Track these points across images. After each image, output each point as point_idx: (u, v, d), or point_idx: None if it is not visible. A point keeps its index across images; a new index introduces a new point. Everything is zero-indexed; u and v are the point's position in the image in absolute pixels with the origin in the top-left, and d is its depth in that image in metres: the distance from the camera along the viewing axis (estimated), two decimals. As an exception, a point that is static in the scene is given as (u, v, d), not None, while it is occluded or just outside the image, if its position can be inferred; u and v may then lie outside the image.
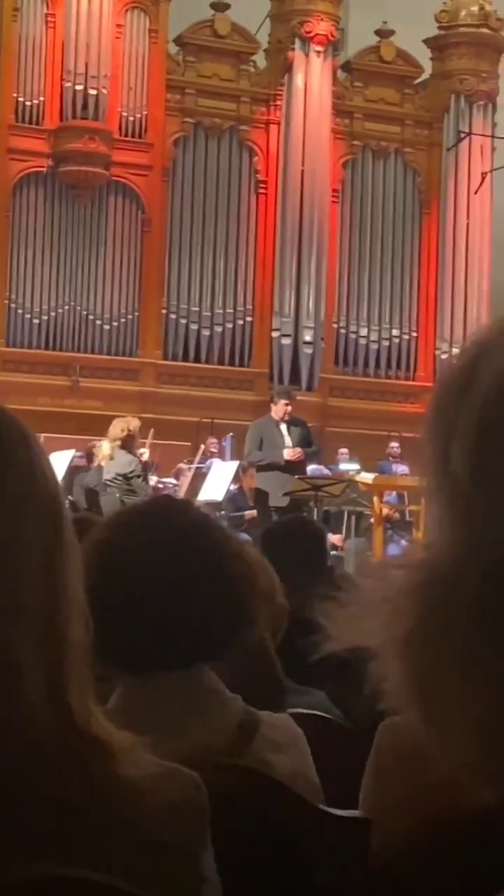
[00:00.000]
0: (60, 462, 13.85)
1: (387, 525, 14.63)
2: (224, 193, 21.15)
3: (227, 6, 21.08)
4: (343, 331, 21.65)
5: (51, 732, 1.40)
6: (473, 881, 1.71)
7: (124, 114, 20.52)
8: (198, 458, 16.56)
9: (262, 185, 21.35)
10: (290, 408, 15.15)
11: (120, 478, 13.97)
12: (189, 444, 18.75)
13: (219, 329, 20.93)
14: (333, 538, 15.12)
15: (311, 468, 15.41)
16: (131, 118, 20.58)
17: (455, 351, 20.50)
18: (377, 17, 21.93)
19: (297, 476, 14.38)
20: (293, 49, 21.14)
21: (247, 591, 2.36)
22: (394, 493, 15.51)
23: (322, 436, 18.37)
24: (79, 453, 15.59)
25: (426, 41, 22.18)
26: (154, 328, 20.67)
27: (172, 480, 16.25)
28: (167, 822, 1.49)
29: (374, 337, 21.75)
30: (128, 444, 14.19)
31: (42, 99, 20.23)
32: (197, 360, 20.83)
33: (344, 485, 14.63)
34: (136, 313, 20.61)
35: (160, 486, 15.52)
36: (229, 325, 21.00)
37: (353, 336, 21.67)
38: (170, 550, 2.31)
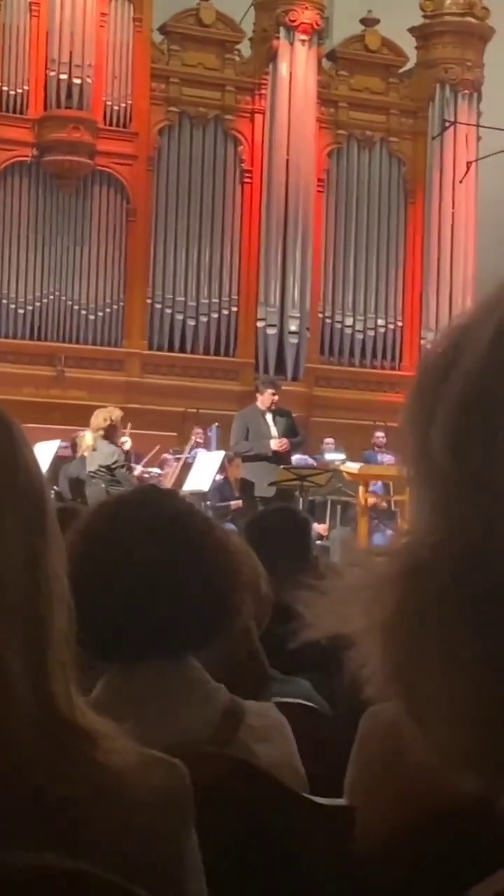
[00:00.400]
0: (45, 452, 13.84)
1: (372, 514, 14.65)
2: (209, 183, 21.13)
3: (212, -5, 21.08)
4: (328, 320, 21.65)
5: (34, 722, 1.40)
6: (457, 867, 1.72)
7: (109, 103, 20.48)
8: (187, 449, 16.55)
9: (247, 175, 21.33)
10: (276, 397, 15.13)
11: (104, 469, 13.96)
12: (175, 434, 18.75)
13: (204, 319, 20.92)
14: (319, 528, 15.13)
15: (297, 458, 15.40)
16: (116, 107, 20.54)
17: (432, 348, 20.48)
18: (362, 5, 21.92)
19: (282, 466, 14.37)
20: (278, 38, 21.11)
21: (231, 580, 2.36)
22: (379, 482, 15.52)
23: (307, 425, 18.38)
24: (64, 443, 15.57)
25: (411, 30, 22.18)
26: (139, 318, 20.65)
27: (157, 470, 16.24)
28: (151, 811, 1.49)
29: (359, 326, 21.75)
30: (110, 434, 14.18)
31: (26, 88, 20.18)
32: (182, 350, 20.81)
33: (329, 474, 14.63)
34: (121, 303, 20.59)
35: (146, 475, 15.51)
36: (214, 315, 20.99)
37: (338, 326, 21.67)
38: (154, 540, 2.31)
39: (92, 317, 20.36)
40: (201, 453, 16.05)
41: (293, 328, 20.85)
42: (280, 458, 14.62)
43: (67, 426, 16.88)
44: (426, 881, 2.11)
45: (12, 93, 20.13)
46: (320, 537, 14.54)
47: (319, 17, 21.40)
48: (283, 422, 15.05)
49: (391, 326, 21.95)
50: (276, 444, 14.70)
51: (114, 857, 1.42)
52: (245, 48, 21.63)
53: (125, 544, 2.31)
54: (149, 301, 20.68)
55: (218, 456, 15.42)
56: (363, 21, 22.17)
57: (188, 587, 2.29)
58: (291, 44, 21.09)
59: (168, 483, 14.53)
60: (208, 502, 14.46)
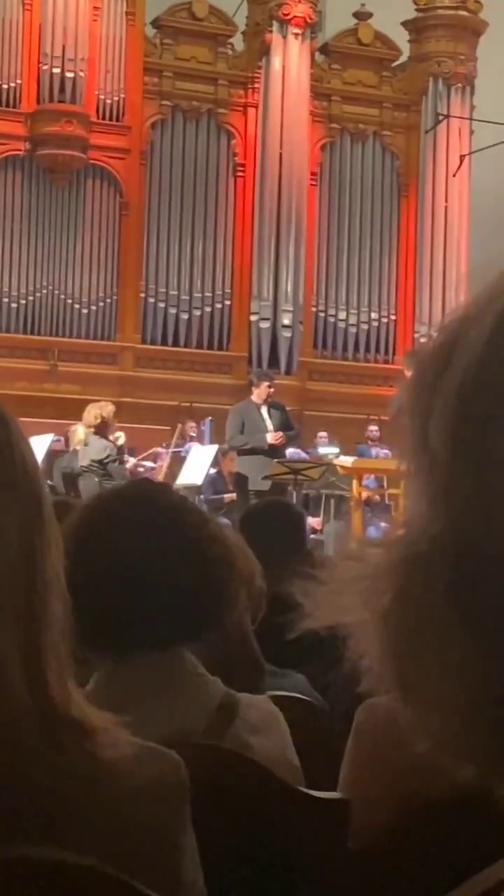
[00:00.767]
0: (39, 446, 13.83)
1: (366, 508, 14.65)
2: (202, 177, 21.11)
3: (205, -12, 21.06)
4: (322, 314, 21.65)
5: (29, 714, 1.40)
6: (454, 858, 1.72)
7: (102, 97, 20.46)
8: (174, 442, 16.54)
9: (240, 169, 21.31)
10: (272, 390, 15.16)
11: (95, 464, 13.97)
12: (168, 427, 18.74)
13: (197, 313, 20.91)
14: (312, 521, 15.14)
15: (290, 452, 15.41)
16: (109, 101, 20.52)
17: (434, 334, 20.50)
18: (355, -1, 21.93)
19: (276, 460, 14.37)
20: (271, 31, 21.09)
21: (225, 573, 2.36)
22: (372, 476, 15.52)
23: (301, 419, 18.38)
24: (57, 437, 15.57)
25: (404, 23, 22.16)
26: (132, 312, 20.63)
27: (150, 463, 16.23)
28: (147, 803, 1.49)
29: (352, 320, 21.75)
30: (102, 430, 14.18)
31: (19, 82, 20.15)
32: (175, 343, 20.80)
33: (323, 468, 14.64)
34: (115, 297, 20.58)
35: (140, 469, 15.50)
36: (208, 309, 20.98)
37: (331, 319, 21.67)
38: (148, 534, 2.31)
39: (85, 311, 20.34)
40: (195, 447, 16.04)
41: (286, 322, 20.84)
42: (275, 451, 14.64)
43: (61, 420, 16.87)
44: (422, 873, 2.11)
45: (5, 87, 20.11)
46: (314, 531, 14.56)
47: (312, 11, 21.38)
48: (279, 415, 15.07)
49: (384, 320, 21.95)
50: (272, 437, 14.72)
51: (110, 849, 1.42)
52: (238, 42, 21.60)
53: (119, 538, 2.31)
54: (142, 295, 20.66)
55: (211, 450, 15.41)
56: (356, 15, 22.15)
57: (182, 580, 2.29)
58: (284, 37, 21.07)
59: (160, 476, 14.53)
60: (202, 496, 14.46)
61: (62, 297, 20.25)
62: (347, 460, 14.50)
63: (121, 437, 15.38)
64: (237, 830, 2.14)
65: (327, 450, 17.06)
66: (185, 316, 20.82)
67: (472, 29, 22.22)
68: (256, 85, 21.27)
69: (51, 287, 20.21)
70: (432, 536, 0.76)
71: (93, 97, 20.32)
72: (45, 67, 19.97)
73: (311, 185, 21.49)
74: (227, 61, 21.39)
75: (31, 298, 20.12)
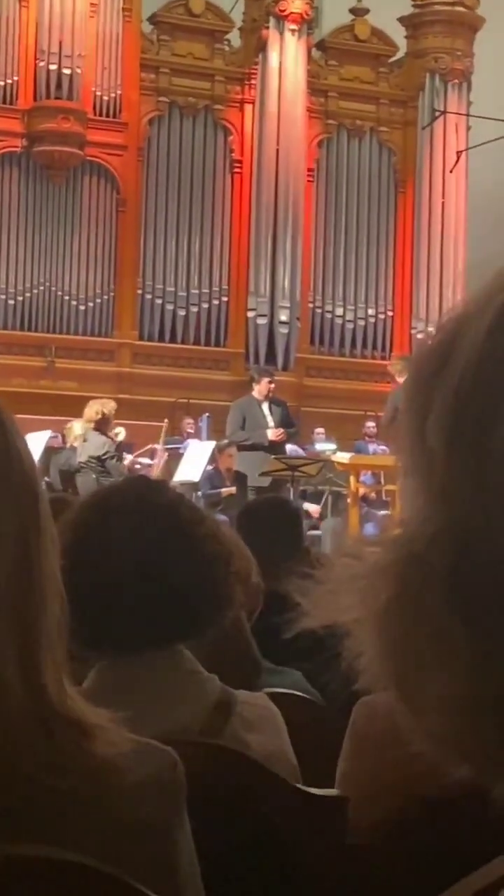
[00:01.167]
0: (36, 443, 13.83)
1: (363, 504, 14.66)
2: (199, 173, 21.10)
3: (201, -16, 21.04)
4: (319, 310, 21.64)
5: (25, 712, 1.40)
6: (451, 857, 1.72)
7: (98, 93, 20.45)
8: (163, 439, 16.52)
9: (237, 165, 21.31)
10: (273, 386, 15.19)
11: (93, 460, 13.97)
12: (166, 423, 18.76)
13: (194, 309, 20.91)
14: (310, 508, 15.16)
15: (288, 448, 15.42)
16: (105, 98, 20.51)
17: (431, 330, 20.53)
18: (352, -5, 21.92)
19: (273, 456, 14.38)
20: (268, 27, 21.08)
21: (222, 571, 2.36)
22: (370, 472, 15.52)
23: (298, 416, 18.36)
24: (54, 434, 15.58)
25: (401, 19, 22.16)
26: (129, 308, 20.63)
27: (147, 460, 16.23)
28: (143, 800, 1.49)
29: (349, 316, 21.75)
30: (102, 426, 14.19)
31: (16, 79, 20.15)
32: (173, 340, 20.80)
33: (320, 465, 14.65)
34: (112, 294, 20.57)
35: (136, 466, 15.50)
36: (205, 306, 20.97)
37: (328, 315, 21.67)
38: (145, 531, 2.31)
39: (82, 307, 20.34)
40: (192, 443, 16.04)
41: (283, 318, 20.84)
42: (275, 447, 14.66)
43: (58, 417, 16.88)
44: (419, 870, 2.11)
45: (2, 83, 20.11)
46: (308, 516, 14.57)
47: (309, 7, 21.36)
48: (279, 411, 15.09)
49: (381, 316, 21.95)
50: (273, 433, 14.74)
51: (106, 846, 1.42)
52: (235, 38, 21.60)
53: (115, 535, 2.31)
54: (139, 291, 20.66)
55: (208, 446, 15.41)
56: (353, 11, 22.15)
57: (179, 577, 2.29)
58: (281, 33, 21.06)
59: (157, 473, 14.53)
60: (199, 492, 14.47)
61: (59, 293, 20.24)
62: (345, 456, 14.50)
63: (121, 433, 15.39)
64: (234, 828, 2.14)
65: (324, 446, 17.07)
66: (182, 312, 20.82)
67: (469, 25, 22.21)
68: (253, 81, 21.27)
69: (48, 284, 20.20)
70: (430, 535, 0.76)
71: (89, 94, 20.31)
72: (41, 64, 19.96)
73: (308, 181, 21.48)
74: (224, 58, 21.38)
75: (28, 295, 20.11)
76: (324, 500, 15.79)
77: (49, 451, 14.97)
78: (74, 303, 20.30)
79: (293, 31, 21.08)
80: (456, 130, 21.69)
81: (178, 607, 2.29)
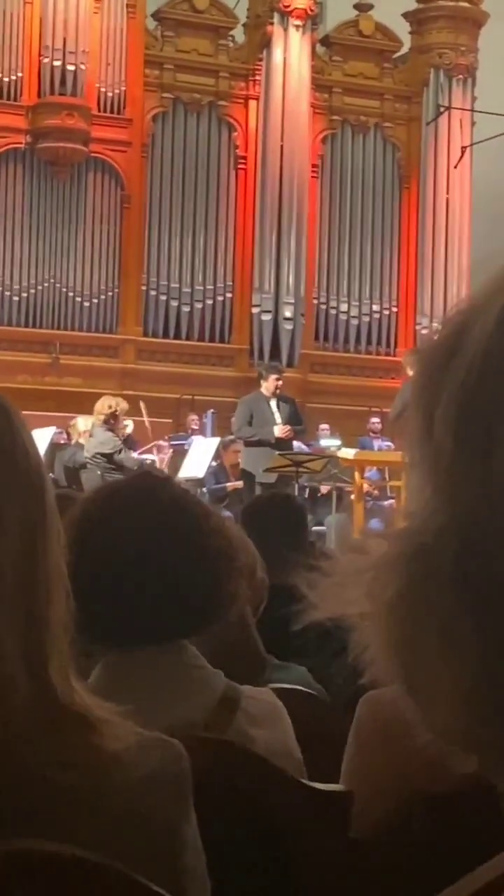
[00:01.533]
0: (41, 439, 13.83)
1: (368, 500, 14.66)
2: (203, 169, 21.09)
3: (205, -19, 21.03)
4: (323, 306, 21.63)
5: (30, 707, 1.40)
6: (456, 852, 1.72)
7: (103, 90, 20.44)
8: (145, 419, 16.49)
9: (241, 161, 21.29)
10: (280, 382, 15.20)
11: (100, 456, 13.95)
12: (170, 420, 18.76)
13: (199, 305, 20.89)
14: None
15: (294, 445, 15.42)
16: (110, 94, 20.50)
17: (435, 325, 20.51)
18: (356, -9, 21.90)
19: (278, 452, 14.38)
20: (272, 23, 21.06)
21: (227, 566, 2.36)
22: (374, 468, 15.53)
23: (303, 412, 18.36)
24: (59, 430, 15.58)
25: (405, 15, 22.13)
26: (134, 305, 20.62)
27: (151, 456, 16.24)
28: (149, 793, 1.49)
29: (354, 312, 21.73)
30: (110, 422, 14.18)
31: (20, 75, 20.13)
32: (177, 336, 20.78)
33: (325, 461, 14.64)
34: (116, 290, 20.56)
35: (146, 462, 15.51)
36: (209, 302, 20.96)
37: (333, 312, 21.65)
38: (150, 526, 2.31)
39: (87, 303, 20.33)
40: (196, 440, 16.04)
41: (288, 314, 20.82)
42: (282, 444, 14.66)
43: (62, 413, 16.89)
44: (424, 865, 2.11)
45: (6, 80, 20.09)
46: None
47: (313, 3, 21.33)
48: (287, 408, 15.10)
49: (386, 312, 21.93)
50: (279, 430, 14.74)
51: (111, 840, 1.42)
52: (239, 34, 21.58)
53: (121, 531, 2.31)
54: (143, 287, 20.65)
55: (213, 442, 15.42)
56: (357, 6, 22.13)
57: (184, 573, 2.29)
58: (285, 29, 21.04)
59: (162, 469, 14.52)
60: (204, 489, 14.47)
61: (63, 290, 20.24)
62: (349, 452, 14.51)
63: (129, 426, 15.39)
64: (239, 823, 2.14)
65: (329, 442, 17.07)
66: (186, 308, 20.81)
67: (473, 20, 22.19)
68: (257, 77, 21.25)
69: (52, 280, 20.20)
70: (437, 527, 0.76)
71: (94, 90, 20.30)
72: (45, 60, 19.95)
73: (313, 177, 21.46)
74: (228, 53, 21.37)
75: (32, 291, 20.10)
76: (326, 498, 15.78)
77: (54, 448, 14.98)
78: (79, 299, 20.29)
79: (297, 26, 21.06)
80: (460, 126, 21.67)
81: (184, 602, 2.29)
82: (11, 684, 1.39)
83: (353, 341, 21.71)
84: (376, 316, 21.84)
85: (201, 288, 20.89)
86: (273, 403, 15.00)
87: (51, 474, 13.92)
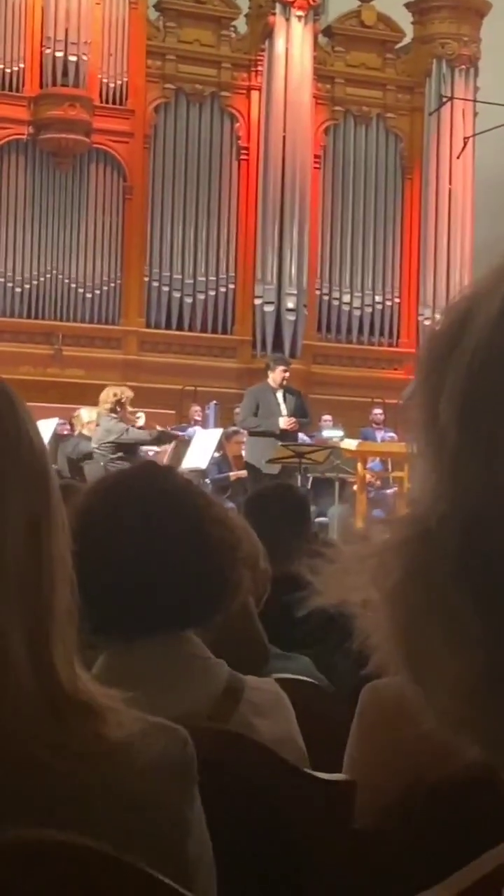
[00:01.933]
0: (44, 431, 13.79)
1: (370, 491, 14.66)
2: (206, 160, 21.08)
3: (207, -29, 21.01)
4: (326, 297, 21.63)
5: (35, 697, 1.40)
6: (460, 840, 1.72)
7: (105, 80, 20.43)
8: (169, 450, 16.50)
9: (243, 152, 21.28)
10: (287, 374, 15.21)
11: (106, 445, 13.93)
12: (173, 411, 18.76)
13: (201, 296, 20.89)
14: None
15: (299, 437, 15.42)
16: (112, 85, 20.49)
17: (438, 316, 20.52)
18: (358, -19, 21.86)
19: (280, 443, 14.38)
20: (274, 14, 21.04)
21: (230, 556, 2.36)
22: (377, 459, 15.53)
23: (306, 403, 18.37)
24: (62, 421, 15.58)
25: (407, 5, 22.12)
26: (136, 296, 20.63)
27: (155, 448, 16.22)
28: (153, 778, 1.49)
29: (356, 303, 21.73)
30: (116, 410, 14.16)
31: (22, 66, 20.13)
32: (180, 327, 20.79)
33: (327, 451, 14.64)
34: (119, 281, 20.56)
35: (150, 453, 15.50)
36: (212, 293, 20.96)
37: (335, 303, 21.65)
38: (152, 517, 2.31)
39: (89, 295, 20.34)
40: (199, 431, 16.04)
41: (290, 305, 20.82)
42: (287, 436, 14.67)
43: (65, 404, 16.89)
44: (428, 854, 2.11)
45: (8, 71, 20.09)
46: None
47: (315, -7, 21.34)
48: (294, 400, 15.10)
49: (388, 303, 21.93)
50: (285, 422, 14.74)
51: (116, 827, 1.43)
52: (241, 25, 21.57)
53: (123, 521, 2.31)
54: (146, 279, 20.66)
55: (216, 433, 15.41)
56: (359, -4, 22.12)
57: (187, 563, 2.29)
58: (287, 20, 21.02)
59: (164, 460, 14.51)
60: (207, 479, 14.46)
61: (66, 281, 20.24)
62: (352, 443, 14.50)
63: (141, 418, 15.40)
64: (242, 813, 2.14)
65: (332, 433, 17.06)
66: (189, 300, 20.81)
67: (476, 10, 22.17)
68: (260, 68, 21.23)
69: (54, 271, 20.20)
70: (441, 514, 0.76)
71: (96, 81, 20.29)
72: (47, 51, 19.95)
73: (315, 167, 21.45)
74: (231, 44, 21.35)
75: (34, 283, 20.11)
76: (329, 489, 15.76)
77: (57, 439, 14.98)
78: (81, 290, 20.30)
79: (299, 17, 21.04)
80: (463, 116, 21.66)
81: (187, 593, 2.29)
82: (16, 673, 1.39)
83: (356, 332, 21.71)
84: (379, 307, 21.84)
85: (204, 279, 20.89)
86: (279, 395, 15.01)
87: (54, 465, 13.92)
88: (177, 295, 20.76)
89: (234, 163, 21.29)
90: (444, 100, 20.38)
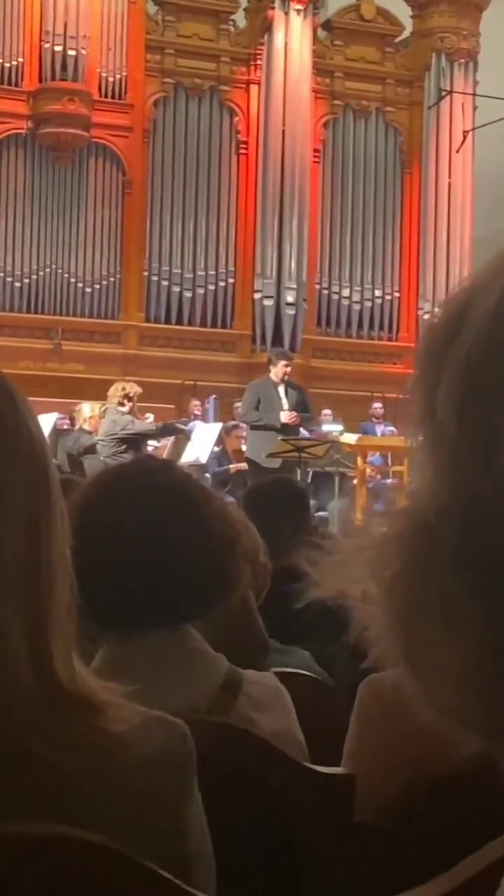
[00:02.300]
0: (44, 425, 13.77)
1: (370, 485, 14.66)
2: (205, 154, 21.07)
3: (206, -35, 20.99)
4: (325, 291, 21.63)
5: (34, 693, 1.40)
6: (459, 833, 1.72)
7: (104, 74, 20.42)
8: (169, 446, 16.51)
9: (242, 146, 21.27)
10: (289, 369, 15.21)
11: (108, 438, 13.93)
12: (172, 406, 18.76)
13: (201, 291, 20.89)
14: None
15: (299, 432, 15.42)
16: (111, 79, 20.47)
17: (437, 310, 20.48)
18: (357, -25, 21.84)
19: (280, 437, 14.38)
20: (273, 8, 21.03)
21: (230, 550, 2.36)
22: (377, 453, 15.53)
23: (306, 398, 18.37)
24: (62, 416, 15.59)
25: (406, -1, 22.11)
26: (136, 290, 20.62)
27: (154, 442, 16.24)
28: (153, 772, 1.49)
29: (356, 297, 21.72)
30: (124, 404, 14.19)
31: (21, 60, 20.11)
32: (179, 322, 20.79)
33: (327, 446, 14.64)
34: (118, 275, 20.56)
35: (149, 448, 15.51)
36: (211, 287, 20.96)
37: (335, 297, 21.64)
38: (152, 511, 2.31)
39: (88, 289, 20.33)
40: (199, 425, 16.05)
41: (290, 299, 20.81)
42: (288, 430, 14.67)
43: (65, 399, 16.90)
44: (428, 847, 2.11)
45: (7, 65, 20.07)
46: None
47: (315, -13, 21.32)
48: (295, 395, 15.10)
49: (388, 297, 21.93)
50: (286, 417, 14.74)
51: (116, 821, 1.43)
52: (240, 18, 21.54)
53: (123, 515, 2.31)
54: (145, 273, 20.65)
55: (215, 428, 15.41)
56: (358, -10, 22.10)
57: (186, 557, 2.29)
58: (286, 14, 21.00)
59: (164, 455, 14.53)
60: (207, 474, 14.47)
61: (65, 275, 20.24)
62: (352, 438, 14.50)
63: (150, 418, 15.44)
64: (242, 807, 2.14)
65: (331, 427, 17.06)
66: (188, 294, 20.81)
67: (475, 4, 22.15)
68: (259, 62, 21.22)
69: (54, 266, 20.19)
70: (439, 506, 0.76)
71: (95, 75, 20.28)
72: (46, 45, 19.93)
73: (314, 162, 21.44)
74: (230, 38, 21.33)
75: (34, 277, 20.11)
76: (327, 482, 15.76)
77: (56, 434, 14.99)
78: (81, 285, 20.29)
79: (298, 11, 21.02)
80: (462, 110, 21.65)
81: (186, 587, 2.29)
82: (15, 667, 1.39)
83: (356, 326, 21.71)
84: (378, 301, 21.83)
85: (203, 273, 20.88)
86: (281, 389, 15.01)
87: (54, 460, 13.93)
88: (176, 289, 20.76)
89: (233, 157, 21.28)
90: (444, 94, 20.38)
